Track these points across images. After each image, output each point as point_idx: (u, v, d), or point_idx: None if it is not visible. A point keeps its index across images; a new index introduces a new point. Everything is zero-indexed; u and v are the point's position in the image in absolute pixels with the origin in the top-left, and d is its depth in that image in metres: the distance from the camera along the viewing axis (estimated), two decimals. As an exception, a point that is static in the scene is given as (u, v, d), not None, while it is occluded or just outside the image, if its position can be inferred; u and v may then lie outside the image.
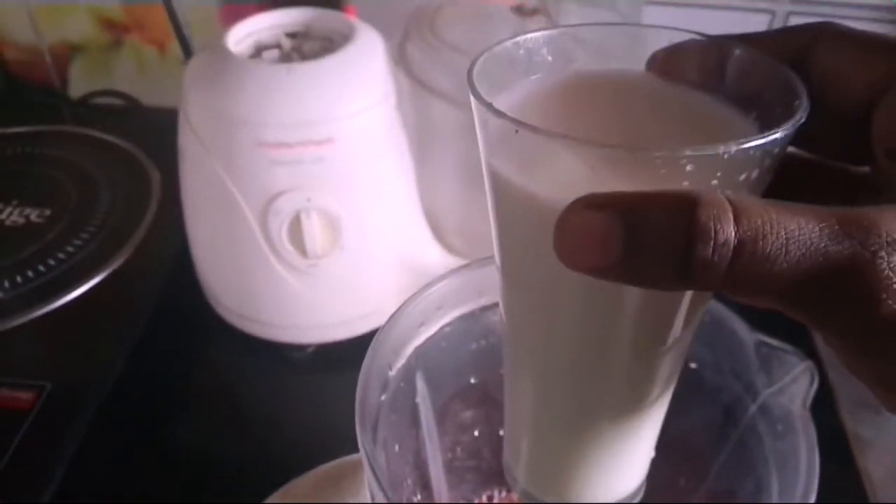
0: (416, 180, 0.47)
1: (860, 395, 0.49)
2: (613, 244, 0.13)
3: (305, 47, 0.45)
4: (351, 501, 0.24)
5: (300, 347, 0.48)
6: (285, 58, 0.44)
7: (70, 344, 0.46)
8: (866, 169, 0.17)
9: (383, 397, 0.26)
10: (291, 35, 0.45)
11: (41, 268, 0.48)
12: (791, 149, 0.18)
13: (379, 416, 0.26)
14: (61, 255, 0.49)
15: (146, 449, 0.44)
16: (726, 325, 0.27)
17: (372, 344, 0.26)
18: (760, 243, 0.13)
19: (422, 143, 0.46)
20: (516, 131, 0.15)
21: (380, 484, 0.21)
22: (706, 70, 0.18)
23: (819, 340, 0.47)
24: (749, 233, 0.13)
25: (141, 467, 0.43)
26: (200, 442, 0.44)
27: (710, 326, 0.27)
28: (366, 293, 0.46)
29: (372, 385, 0.25)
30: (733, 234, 0.13)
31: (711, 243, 0.13)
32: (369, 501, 0.24)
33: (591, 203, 0.14)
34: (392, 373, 0.27)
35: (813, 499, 0.22)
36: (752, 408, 0.26)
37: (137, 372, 0.46)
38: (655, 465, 0.32)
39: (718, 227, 0.13)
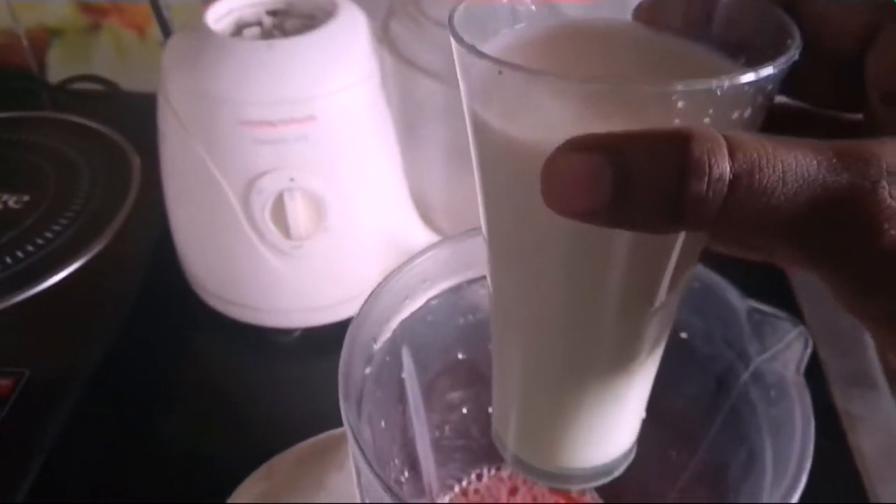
0: (402, 161, 0.46)
1: (850, 373, 0.49)
2: (602, 185, 0.13)
3: (287, 25, 0.44)
4: (335, 475, 0.23)
5: (286, 332, 0.47)
6: (266, 35, 0.43)
7: (50, 331, 0.45)
8: (859, 116, 0.17)
9: (368, 370, 0.26)
10: (272, 13, 0.44)
11: (19, 254, 0.47)
12: (783, 98, 0.17)
13: (363, 390, 0.25)
14: (40, 241, 0.48)
15: (129, 436, 0.43)
16: (717, 293, 0.26)
17: (356, 316, 0.25)
18: (756, 176, 0.12)
19: (407, 122, 0.46)
20: (499, 72, 0.14)
21: (364, 455, 0.21)
22: (693, 17, 0.17)
23: (809, 313, 0.47)
24: (745, 166, 0.12)
25: (124, 454, 0.42)
26: (185, 429, 0.44)
27: (700, 294, 0.27)
28: (351, 275, 0.45)
29: (356, 358, 0.24)
30: (728, 168, 0.12)
31: (706, 178, 0.12)
32: (354, 474, 0.23)
33: (579, 145, 0.13)
34: (377, 346, 0.27)
35: (808, 465, 0.22)
36: (745, 375, 0.26)
37: (120, 358, 0.45)
38: (646, 438, 0.32)
39: (713, 160, 0.12)
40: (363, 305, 0.25)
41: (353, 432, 0.21)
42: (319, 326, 0.46)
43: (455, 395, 0.33)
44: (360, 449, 0.21)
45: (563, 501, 0.34)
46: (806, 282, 0.53)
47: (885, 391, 0.47)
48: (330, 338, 0.46)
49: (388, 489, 0.20)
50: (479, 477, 0.35)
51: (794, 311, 0.44)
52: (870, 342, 0.50)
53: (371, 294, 0.26)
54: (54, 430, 0.41)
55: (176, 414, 0.45)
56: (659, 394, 0.30)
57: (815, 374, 0.24)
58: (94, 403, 0.43)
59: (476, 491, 0.34)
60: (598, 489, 0.34)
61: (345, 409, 0.22)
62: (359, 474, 0.23)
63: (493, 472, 0.35)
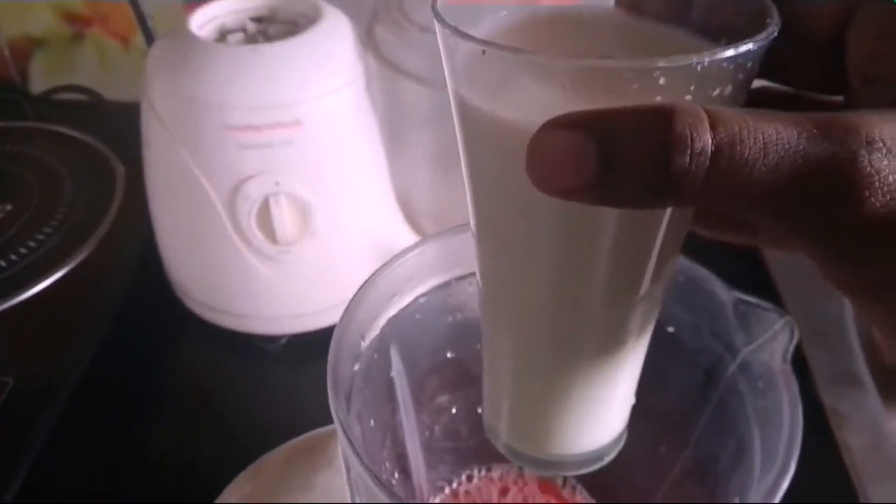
0: (388, 165, 0.46)
1: (836, 371, 0.49)
2: (587, 163, 0.13)
3: (271, 30, 0.44)
4: (324, 473, 0.23)
5: (273, 339, 0.47)
6: (250, 41, 0.43)
7: (34, 339, 0.44)
8: (840, 99, 0.17)
9: (356, 367, 0.26)
10: (256, 19, 0.45)
11: (2, 263, 0.47)
12: (764, 82, 0.17)
13: (352, 387, 0.25)
14: (23, 250, 0.48)
15: (115, 443, 0.42)
16: (703, 285, 0.27)
17: (344, 311, 0.25)
18: (738, 148, 0.12)
19: (392, 127, 0.46)
20: (483, 52, 0.14)
21: (354, 449, 0.20)
22: (674, 3, 0.17)
23: (793, 310, 0.48)
24: (726, 139, 0.12)
25: (110, 464, 0.41)
26: (171, 435, 0.43)
27: (686, 287, 0.27)
28: (338, 281, 0.45)
29: (344, 354, 0.24)
30: (710, 141, 0.12)
31: (688, 152, 0.12)
32: (343, 471, 0.23)
33: (562, 123, 0.13)
34: (365, 343, 0.26)
35: (797, 453, 0.22)
36: (732, 367, 0.26)
37: (105, 367, 0.45)
38: (636, 434, 0.32)
39: (695, 134, 0.12)
40: (351, 301, 0.25)
41: (342, 427, 0.21)
42: (306, 333, 0.46)
43: (444, 395, 0.32)
44: (350, 442, 0.20)
45: (553, 501, 0.34)
46: (789, 277, 0.54)
47: (871, 389, 0.48)
48: (317, 344, 0.46)
49: (379, 483, 0.20)
50: (470, 478, 0.34)
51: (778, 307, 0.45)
52: (855, 339, 0.51)
53: (358, 290, 0.26)
54: (40, 438, 0.40)
55: (162, 421, 0.44)
56: (647, 388, 0.31)
57: (801, 372, 0.24)
58: (80, 411, 0.42)
59: (467, 492, 0.34)
60: (590, 487, 0.34)
61: (334, 405, 0.22)
62: (348, 470, 0.23)
63: (483, 473, 0.35)
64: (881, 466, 0.43)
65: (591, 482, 0.35)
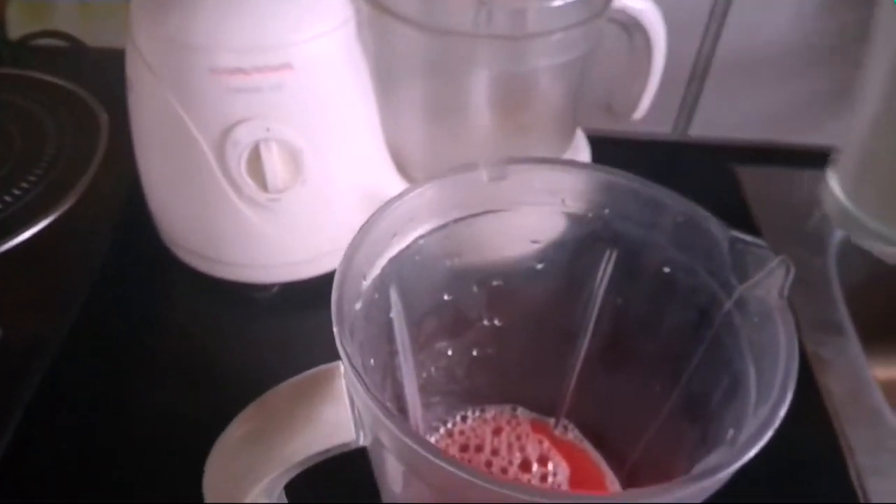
0: (379, 113, 0.45)
1: (819, 319, 0.50)
2: None
3: (259, -29, 0.43)
4: (329, 407, 0.23)
5: (264, 287, 0.47)
6: (238, -18, 0.42)
7: (21, 290, 0.44)
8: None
9: (358, 306, 0.26)
10: (244, -40, 0.43)
11: (-15, 212, 0.46)
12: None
13: (354, 325, 0.25)
14: (8, 198, 0.47)
15: (107, 397, 0.42)
16: (699, 224, 0.27)
17: (346, 249, 0.25)
18: None
19: (383, 74, 0.45)
20: None
21: (361, 379, 0.21)
22: None
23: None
24: None
25: (102, 416, 0.41)
26: (162, 386, 0.43)
27: (683, 227, 0.27)
28: (329, 229, 0.45)
29: (347, 291, 0.24)
30: None
31: None
32: (348, 405, 0.23)
33: None
34: (366, 283, 0.27)
35: (793, 384, 0.22)
36: (728, 304, 0.26)
37: (94, 318, 0.45)
38: (629, 375, 0.32)
39: None
40: (353, 239, 0.25)
41: (348, 357, 0.21)
42: (298, 281, 0.46)
43: (441, 337, 0.33)
44: (356, 372, 0.21)
45: (545, 439, 0.34)
46: (774, 228, 0.54)
47: (853, 337, 0.49)
48: (309, 293, 0.46)
49: (386, 411, 0.20)
50: (464, 419, 0.35)
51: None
52: (838, 290, 0.52)
53: (360, 229, 0.26)
54: (30, 390, 0.40)
55: (152, 371, 0.44)
56: (641, 329, 0.31)
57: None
58: (70, 362, 0.42)
59: (461, 432, 0.34)
60: (581, 426, 0.35)
61: (339, 335, 0.22)
62: (353, 403, 0.23)
63: (477, 413, 0.35)
64: (861, 412, 0.44)
65: (581, 422, 0.36)
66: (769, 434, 0.21)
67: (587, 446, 0.35)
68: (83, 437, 0.40)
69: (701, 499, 0.21)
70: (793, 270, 0.25)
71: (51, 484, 0.38)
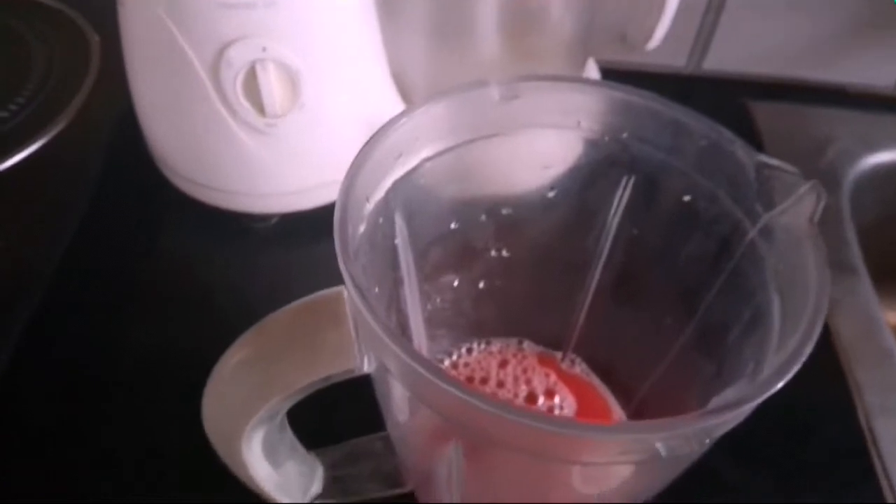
0: (382, 36, 0.43)
1: (831, 259, 0.49)
2: None
3: None
4: (332, 334, 0.22)
5: (263, 218, 0.45)
6: None
7: (8, 218, 0.42)
8: None
9: (362, 229, 0.24)
10: None
11: (-30, 136, 0.44)
12: None
13: (359, 249, 0.24)
14: (-7, 122, 0.45)
15: (100, 328, 0.41)
16: (724, 148, 0.25)
17: (349, 167, 0.23)
18: None
19: (386, -6, 0.43)
20: None
21: (365, 301, 0.19)
22: None
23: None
24: None
25: (96, 347, 0.40)
26: (157, 318, 0.42)
27: (707, 151, 0.26)
28: (330, 158, 0.43)
29: (350, 211, 0.22)
30: None
31: None
32: (352, 330, 0.22)
33: None
34: (370, 206, 0.25)
35: (824, 315, 0.21)
36: (752, 233, 0.25)
37: (86, 247, 0.43)
38: (639, 305, 0.31)
39: None
40: (356, 157, 0.23)
41: (352, 279, 0.20)
42: (298, 212, 0.44)
43: (447, 267, 0.32)
44: (361, 293, 0.19)
45: (552, 372, 0.33)
46: (781, 150, 0.53)
47: (864, 277, 0.48)
48: (309, 225, 0.45)
49: (390, 334, 0.19)
50: (469, 351, 0.34)
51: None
52: (851, 229, 0.50)
53: (363, 147, 0.24)
54: (21, 319, 0.39)
55: (147, 301, 0.43)
56: (655, 259, 0.30)
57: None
58: (62, 294, 0.41)
59: (466, 364, 0.34)
60: (588, 360, 0.34)
61: (342, 257, 0.20)
62: (357, 327, 0.22)
63: (482, 346, 0.34)
64: (871, 353, 0.43)
65: (589, 356, 0.35)
66: (797, 367, 0.20)
67: (594, 380, 0.34)
68: (77, 369, 0.39)
69: (718, 434, 0.20)
70: (824, 197, 0.23)
71: (45, 416, 0.37)
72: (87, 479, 0.35)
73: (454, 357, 0.34)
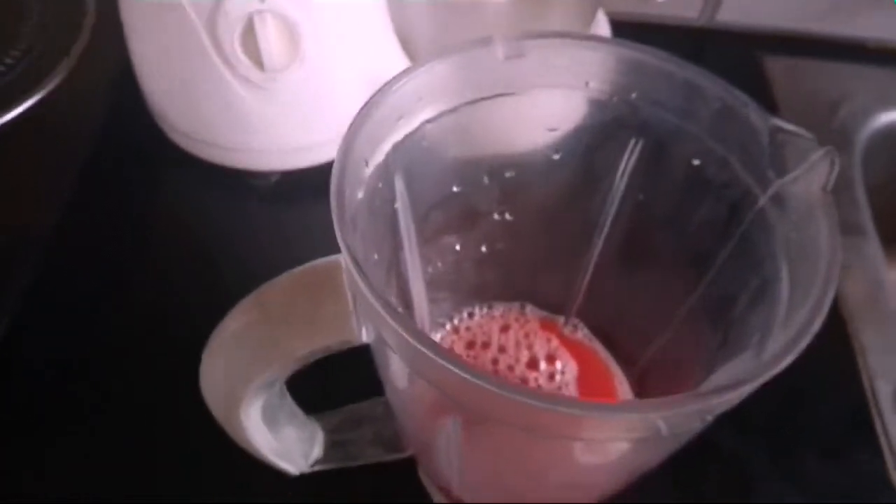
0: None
1: (840, 218, 0.48)
2: None
3: None
4: (331, 306, 0.21)
5: (262, 175, 0.45)
6: None
7: (6, 175, 0.42)
8: None
9: (360, 195, 0.24)
10: None
11: (-36, 90, 0.43)
12: None
13: (357, 216, 0.23)
14: (-12, 75, 0.44)
15: (99, 287, 0.41)
16: (738, 112, 0.24)
17: (347, 130, 0.22)
18: None
19: (389, -57, 0.41)
20: None
21: (362, 274, 0.19)
22: None
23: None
24: None
25: (95, 306, 0.40)
26: (156, 276, 0.42)
27: (719, 114, 0.25)
28: (330, 115, 0.42)
29: (348, 177, 0.22)
30: None
31: None
32: (350, 300, 0.22)
33: None
34: (368, 170, 0.24)
35: (834, 288, 0.20)
36: (763, 200, 0.24)
37: (85, 206, 0.43)
38: (643, 273, 0.31)
39: None
40: (355, 117, 0.23)
41: (349, 251, 0.19)
42: (298, 170, 0.44)
43: (448, 231, 0.31)
44: (358, 266, 0.19)
45: (554, 337, 0.33)
46: (799, 121, 0.51)
47: (873, 238, 0.47)
48: (309, 183, 0.44)
49: (388, 307, 0.18)
50: (471, 315, 0.34)
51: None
52: (861, 191, 0.49)
53: (362, 108, 0.23)
54: (21, 277, 0.39)
55: (146, 260, 0.43)
56: (660, 225, 0.29)
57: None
58: (61, 251, 0.41)
59: (468, 328, 0.33)
60: (591, 326, 0.34)
61: (339, 227, 0.20)
62: (355, 298, 0.21)
63: (484, 310, 0.34)
64: (876, 315, 0.43)
65: (592, 321, 0.34)
66: (804, 344, 0.19)
67: (597, 346, 0.33)
68: (76, 329, 0.39)
69: (720, 411, 0.20)
70: (838, 163, 0.22)
71: (44, 377, 0.37)
72: (82, 437, 0.35)
73: (455, 321, 0.33)
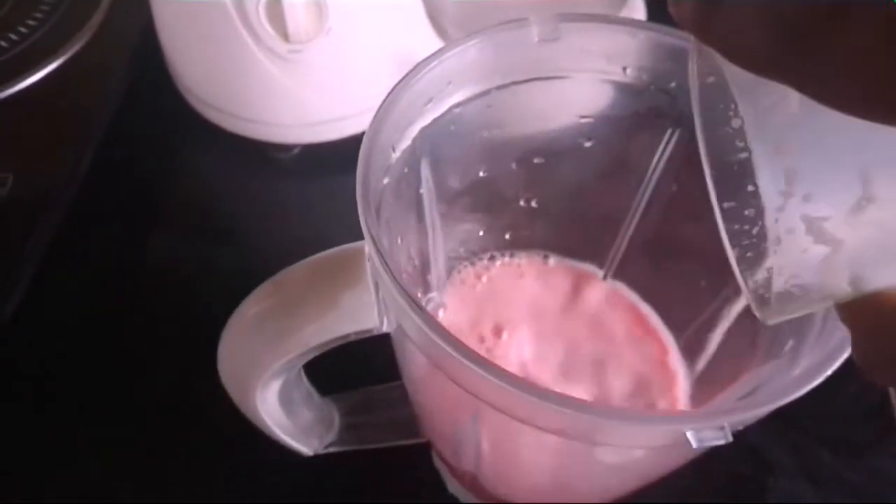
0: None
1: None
2: None
3: None
4: (350, 292, 0.21)
5: (285, 148, 0.44)
6: None
7: (27, 139, 0.41)
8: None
9: (386, 180, 0.23)
10: None
11: (-14, 52, 0.43)
12: None
13: (382, 202, 0.23)
14: (14, 37, 0.44)
15: (119, 256, 0.41)
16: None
17: (374, 116, 0.22)
18: None
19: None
20: None
21: (386, 266, 0.18)
22: None
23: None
24: None
25: (113, 276, 0.40)
26: (176, 248, 0.42)
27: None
28: (355, 88, 0.42)
29: (374, 163, 0.21)
30: None
31: None
32: (372, 289, 0.21)
33: None
34: (395, 155, 0.24)
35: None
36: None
37: (105, 170, 0.42)
38: (672, 268, 0.30)
39: None
40: (383, 102, 0.22)
41: (374, 241, 0.19)
42: (320, 143, 0.43)
43: (473, 217, 0.30)
44: (382, 258, 0.18)
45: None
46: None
47: None
48: (332, 156, 0.43)
49: (411, 301, 0.18)
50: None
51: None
52: None
53: (390, 92, 0.22)
54: (41, 243, 0.38)
55: (166, 231, 0.43)
56: (696, 220, 0.28)
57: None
58: (81, 219, 0.40)
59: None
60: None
61: (364, 216, 0.19)
62: (378, 288, 0.21)
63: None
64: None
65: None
66: (841, 359, 0.18)
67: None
68: (93, 299, 0.39)
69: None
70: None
71: (60, 345, 0.37)
72: (97, 405, 0.35)
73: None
